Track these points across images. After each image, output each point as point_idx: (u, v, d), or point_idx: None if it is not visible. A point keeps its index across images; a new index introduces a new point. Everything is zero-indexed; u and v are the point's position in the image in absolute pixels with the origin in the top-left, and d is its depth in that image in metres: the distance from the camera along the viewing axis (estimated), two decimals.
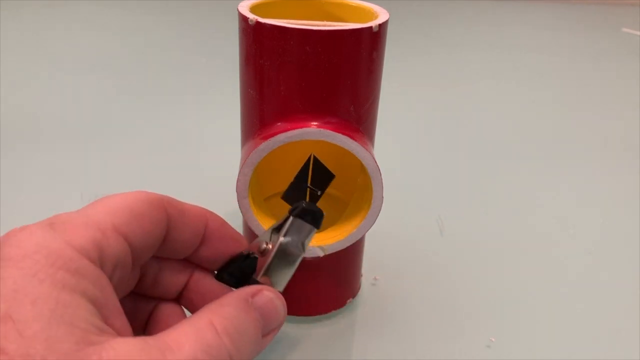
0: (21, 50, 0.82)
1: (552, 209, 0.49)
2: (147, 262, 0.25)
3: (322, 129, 0.28)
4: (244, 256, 0.26)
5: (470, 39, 1.03)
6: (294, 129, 0.28)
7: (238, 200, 0.29)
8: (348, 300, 0.35)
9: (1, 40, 0.84)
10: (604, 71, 0.89)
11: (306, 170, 0.31)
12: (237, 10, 0.29)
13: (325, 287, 0.34)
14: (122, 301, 0.24)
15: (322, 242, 0.31)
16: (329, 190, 0.37)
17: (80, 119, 0.61)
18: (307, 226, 0.26)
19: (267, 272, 0.26)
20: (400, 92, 0.73)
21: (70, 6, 1.07)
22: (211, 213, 0.26)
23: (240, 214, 0.30)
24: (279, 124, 0.29)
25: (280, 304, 0.24)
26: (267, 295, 0.24)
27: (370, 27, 0.28)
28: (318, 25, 0.27)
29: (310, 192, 0.32)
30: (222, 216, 0.27)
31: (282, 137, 0.28)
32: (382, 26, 0.28)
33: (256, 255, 0.26)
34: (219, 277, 0.27)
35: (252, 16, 0.28)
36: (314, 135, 0.28)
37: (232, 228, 0.27)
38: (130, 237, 0.22)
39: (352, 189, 0.34)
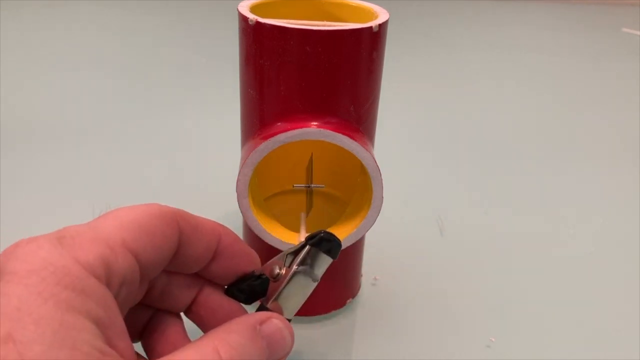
0: (21, 50, 0.82)
1: (552, 209, 0.49)
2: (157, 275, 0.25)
3: (322, 129, 0.28)
4: (255, 276, 0.26)
5: (470, 39, 1.03)
6: (294, 129, 0.28)
7: (238, 200, 0.29)
8: (348, 301, 0.35)
9: (1, 40, 0.84)
10: (604, 71, 0.89)
11: (309, 171, 0.31)
12: (237, 10, 0.29)
13: (325, 287, 0.34)
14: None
15: None
16: (329, 190, 0.37)
17: (79, 118, 0.61)
18: (324, 256, 0.25)
19: (278, 299, 0.25)
20: (401, 92, 0.73)
21: (70, 6, 1.07)
22: (224, 228, 0.25)
23: (240, 214, 0.30)
24: (279, 124, 0.29)
25: (288, 334, 0.24)
26: (276, 324, 0.23)
27: (370, 27, 0.28)
28: (318, 26, 0.27)
29: (308, 192, 0.32)
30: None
31: (282, 137, 0.28)
32: (382, 26, 0.28)
33: (267, 277, 0.26)
34: (229, 293, 0.26)
35: (252, 16, 0.28)
36: (314, 135, 0.28)
37: (245, 244, 0.26)
38: (139, 253, 0.21)
39: (352, 189, 0.34)
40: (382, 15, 0.30)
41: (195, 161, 0.53)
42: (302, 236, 0.30)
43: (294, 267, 0.25)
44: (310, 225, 0.33)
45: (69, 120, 0.60)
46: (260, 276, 0.26)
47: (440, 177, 0.53)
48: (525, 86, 0.80)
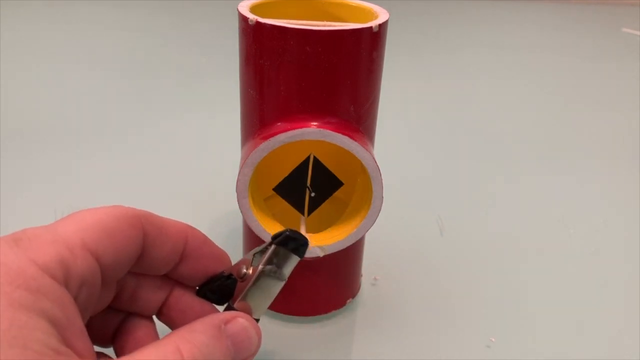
0: (21, 50, 0.82)
1: (552, 209, 0.49)
2: (123, 278, 0.24)
3: (322, 129, 0.28)
4: (225, 276, 0.26)
5: (470, 39, 1.04)
6: (294, 129, 0.28)
7: (238, 200, 0.29)
8: (348, 300, 0.35)
9: (1, 40, 0.84)
10: (604, 71, 0.89)
11: (304, 169, 0.31)
12: (237, 10, 0.29)
13: (325, 287, 0.34)
14: (94, 315, 0.24)
15: (322, 242, 0.31)
16: None
17: (79, 118, 0.61)
18: (290, 255, 0.25)
19: (245, 299, 0.25)
20: (401, 92, 0.73)
21: (70, 6, 1.07)
22: (193, 230, 0.25)
23: (240, 214, 0.30)
24: (279, 123, 0.29)
25: (254, 333, 0.23)
26: (242, 324, 0.23)
27: (370, 27, 0.28)
28: (318, 26, 0.27)
29: (308, 193, 0.32)
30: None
31: (282, 137, 0.28)
32: (382, 26, 0.28)
33: (238, 276, 0.25)
34: (200, 294, 0.26)
35: (252, 16, 0.28)
36: (314, 135, 0.28)
37: (215, 245, 0.26)
38: (100, 254, 0.21)
39: (352, 189, 0.34)
40: (382, 15, 0.30)
41: (195, 161, 0.53)
42: None
43: (260, 266, 0.25)
44: (310, 225, 0.33)
45: (69, 120, 0.60)
46: (230, 276, 0.26)
47: (440, 177, 0.53)
48: (526, 86, 0.80)
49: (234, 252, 0.37)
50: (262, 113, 0.29)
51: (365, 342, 0.34)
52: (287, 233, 0.25)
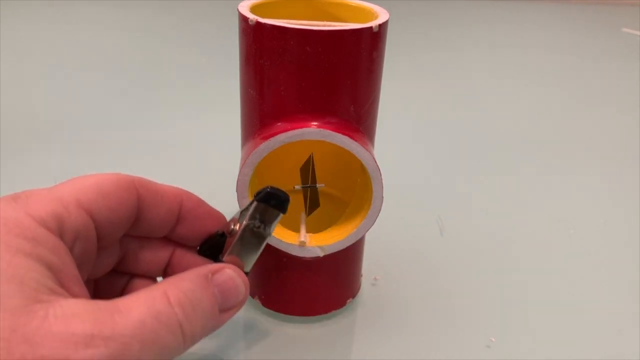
0: (21, 50, 0.82)
1: (552, 209, 0.49)
2: (126, 240, 0.26)
3: (322, 129, 0.28)
4: (218, 234, 0.27)
5: (470, 39, 1.04)
6: (294, 129, 0.28)
7: (238, 200, 0.29)
8: (348, 300, 0.35)
9: (1, 40, 0.84)
10: (604, 71, 0.89)
11: (307, 169, 0.31)
12: (237, 10, 0.29)
13: (325, 287, 0.34)
14: (100, 279, 0.26)
15: (322, 242, 0.31)
16: (329, 190, 0.37)
17: (79, 118, 0.61)
18: (272, 210, 0.26)
19: (232, 253, 0.26)
20: (401, 92, 0.73)
21: (70, 6, 1.07)
22: (187, 193, 0.27)
23: None
24: (279, 123, 0.29)
25: (241, 282, 0.25)
26: (228, 273, 0.24)
27: (371, 27, 0.28)
28: (318, 26, 0.27)
29: (308, 192, 0.32)
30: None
31: (282, 137, 0.28)
32: (382, 26, 0.28)
33: (227, 233, 0.27)
34: (201, 252, 0.28)
35: (252, 16, 0.28)
36: (314, 135, 0.28)
37: (210, 206, 0.28)
38: (94, 213, 0.23)
39: (352, 189, 0.34)
40: (382, 16, 0.30)
41: (195, 161, 0.53)
42: (302, 236, 0.31)
43: (244, 222, 0.26)
44: (311, 225, 0.33)
45: (69, 120, 0.60)
46: (223, 234, 0.27)
47: (440, 177, 0.53)
48: (526, 86, 0.80)
49: None
50: (262, 113, 0.29)
51: (365, 342, 0.34)
52: (268, 190, 0.26)
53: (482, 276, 0.40)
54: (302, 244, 0.30)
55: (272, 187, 0.26)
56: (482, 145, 0.60)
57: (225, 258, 0.27)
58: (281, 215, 0.27)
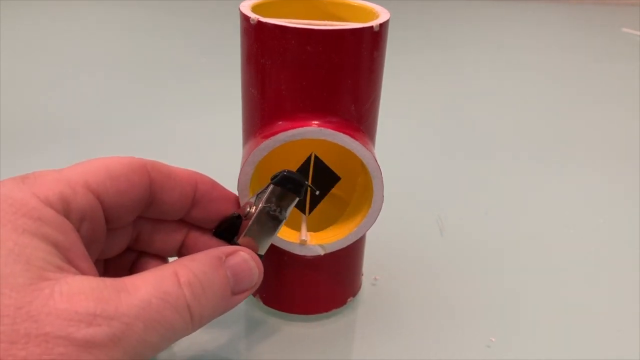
0: (21, 50, 0.82)
1: (552, 209, 0.49)
2: (139, 222, 0.26)
3: (323, 128, 0.28)
4: (234, 217, 0.27)
5: (470, 39, 1.04)
6: (295, 127, 0.28)
7: (239, 199, 0.29)
8: (349, 299, 0.35)
9: (1, 40, 0.84)
10: (603, 71, 0.89)
11: (306, 169, 0.31)
12: (239, 9, 0.29)
13: (326, 285, 0.34)
14: (112, 257, 0.26)
15: (323, 241, 0.31)
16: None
17: (79, 118, 0.61)
18: (288, 194, 0.26)
19: (247, 235, 0.26)
20: (401, 92, 0.73)
21: (71, 6, 1.07)
22: (201, 175, 0.27)
23: None
24: (280, 122, 0.29)
25: (254, 265, 0.25)
26: (242, 256, 0.24)
27: (371, 27, 0.28)
28: (319, 25, 0.27)
29: (310, 191, 0.32)
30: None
31: (283, 136, 0.28)
32: (383, 26, 0.29)
33: (243, 215, 0.27)
34: (217, 234, 0.28)
35: (253, 15, 0.28)
36: (315, 134, 0.28)
37: (224, 188, 0.28)
38: (102, 194, 0.23)
39: (352, 188, 0.34)
40: (383, 15, 0.30)
41: (196, 160, 0.53)
42: (303, 234, 0.31)
43: (260, 205, 0.26)
44: (311, 224, 0.33)
45: (69, 119, 0.60)
46: (239, 216, 0.27)
47: (440, 177, 0.53)
48: (526, 86, 0.80)
49: None
50: (263, 112, 0.29)
51: (366, 341, 0.34)
52: (285, 173, 0.26)
53: (482, 276, 0.40)
54: (303, 243, 0.30)
55: (288, 171, 0.26)
56: (482, 145, 0.60)
57: (240, 240, 0.26)
58: (297, 199, 0.27)
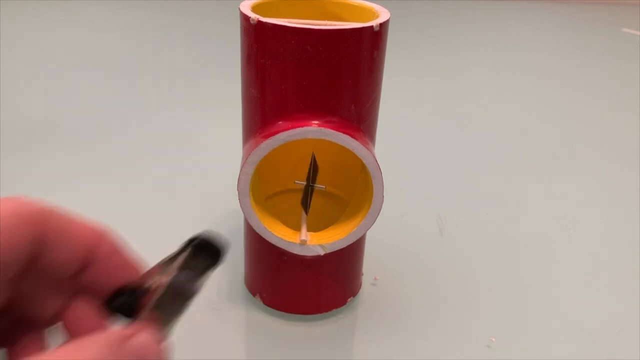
0: (21, 50, 0.82)
1: (552, 209, 0.49)
2: (18, 278, 0.22)
3: (323, 128, 0.28)
4: (130, 290, 0.23)
5: (470, 38, 1.04)
6: (295, 127, 0.28)
7: (239, 199, 0.29)
8: (349, 299, 0.35)
9: (1, 40, 0.84)
10: (604, 71, 0.89)
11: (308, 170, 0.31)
12: (239, 9, 0.29)
13: (326, 285, 0.34)
14: None
15: (323, 241, 0.31)
16: (329, 189, 0.37)
17: (79, 118, 0.61)
18: (206, 261, 0.22)
19: (154, 310, 0.22)
20: (401, 92, 0.73)
21: (71, 6, 1.07)
22: (108, 236, 0.23)
23: (241, 213, 0.30)
24: (280, 122, 0.29)
25: (160, 350, 0.21)
26: (145, 339, 0.21)
27: (372, 27, 0.28)
28: (319, 25, 0.27)
29: (309, 191, 0.32)
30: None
31: (283, 136, 0.28)
32: (383, 25, 0.29)
33: (142, 292, 0.23)
34: (106, 306, 0.23)
35: (253, 15, 0.28)
36: (315, 134, 0.28)
37: (129, 255, 0.24)
38: None
39: (352, 188, 0.34)
40: (383, 15, 0.30)
41: (197, 160, 0.53)
42: (303, 234, 0.31)
43: (172, 275, 0.22)
44: (311, 224, 0.33)
45: (69, 119, 0.60)
46: (134, 291, 0.23)
47: (440, 177, 0.53)
48: (526, 86, 0.80)
49: (235, 250, 0.37)
50: (263, 112, 0.29)
51: (366, 340, 0.34)
52: (203, 237, 0.22)
53: (482, 276, 0.40)
54: (303, 243, 0.30)
55: (208, 233, 0.22)
56: (482, 145, 0.60)
57: (145, 316, 0.22)
58: (215, 266, 0.22)
